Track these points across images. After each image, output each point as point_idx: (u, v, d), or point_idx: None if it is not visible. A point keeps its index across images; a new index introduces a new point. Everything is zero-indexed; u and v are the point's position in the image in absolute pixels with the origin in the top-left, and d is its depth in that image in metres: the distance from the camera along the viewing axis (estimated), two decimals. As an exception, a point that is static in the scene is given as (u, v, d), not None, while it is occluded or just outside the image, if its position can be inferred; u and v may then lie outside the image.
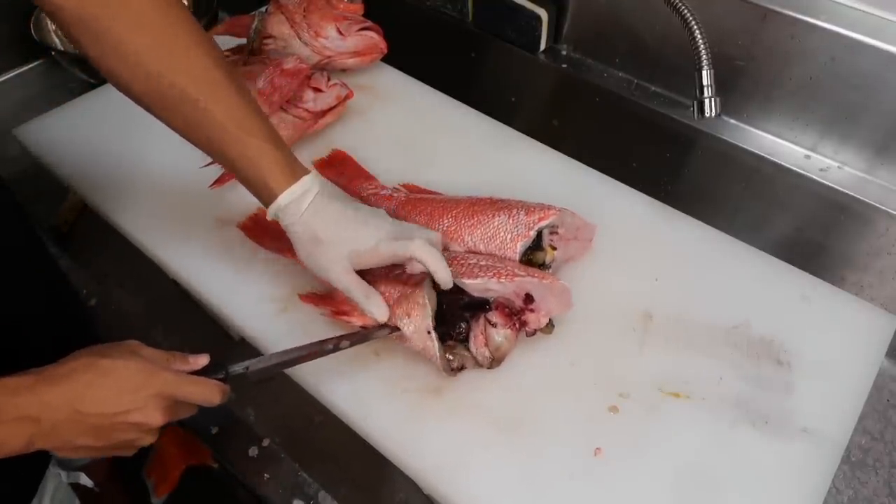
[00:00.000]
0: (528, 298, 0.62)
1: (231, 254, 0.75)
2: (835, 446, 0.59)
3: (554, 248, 0.68)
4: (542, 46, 1.02)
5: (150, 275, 0.82)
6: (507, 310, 0.63)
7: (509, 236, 0.66)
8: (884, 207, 0.81)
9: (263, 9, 0.97)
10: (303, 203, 0.59)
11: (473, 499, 0.57)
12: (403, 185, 0.79)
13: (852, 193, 0.83)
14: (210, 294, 0.72)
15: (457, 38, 1.12)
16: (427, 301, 0.61)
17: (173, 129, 0.59)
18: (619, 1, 0.93)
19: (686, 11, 0.71)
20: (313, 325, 0.67)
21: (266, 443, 0.75)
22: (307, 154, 0.84)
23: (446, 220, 0.70)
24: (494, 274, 0.61)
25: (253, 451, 0.75)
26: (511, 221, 0.67)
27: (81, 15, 0.53)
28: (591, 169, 0.83)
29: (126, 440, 0.54)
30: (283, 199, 0.59)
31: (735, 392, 0.62)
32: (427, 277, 0.62)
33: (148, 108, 0.58)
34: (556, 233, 0.68)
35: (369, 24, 0.94)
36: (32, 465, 0.60)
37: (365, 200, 0.78)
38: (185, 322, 0.87)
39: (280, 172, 0.59)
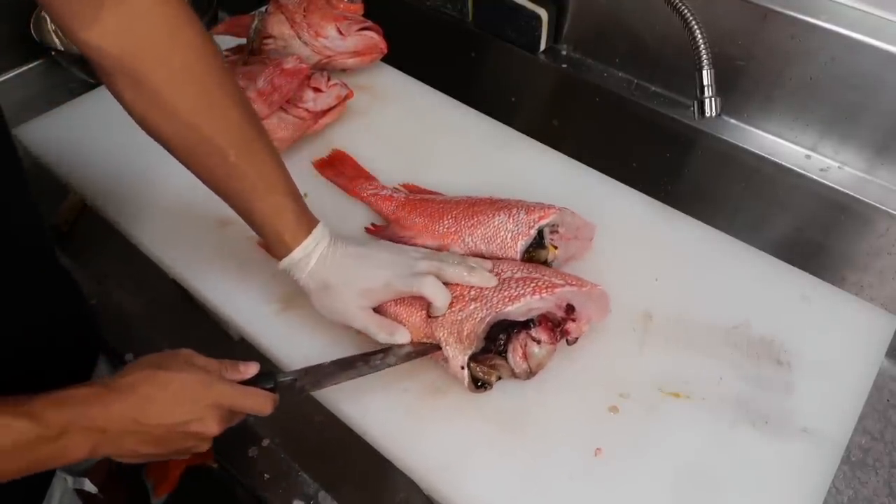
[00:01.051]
0: (569, 308, 0.62)
1: (232, 254, 0.74)
2: (835, 446, 0.59)
3: (555, 247, 0.68)
4: (542, 46, 1.02)
5: (151, 275, 0.82)
6: (549, 323, 0.62)
7: (509, 236, 0.66)
8: (884, 207, 0.81)
9: (263, 9, 0.97)
10: (313, 256, 0.62)
11: (474, 499, 0.57)
12: (403, 185, 0.79)
13: (852, 193, 0.83)
14: (210, 294, 0.72)
15: (457, 38, 1.12)
16: (472, 342, 0.60)
17: (194, 174, 0.60)
18: (619, 1, 0.93)
19: (686, 11, 0.72)
20: (313, 326, 0.67)
21: (266, 443, 0.75)
22: (307, 154, 0.84)
23: (446, 221, 0.70)
24: (534, 289, 0.60)
25: (253, 452, 0.75)
26: (511, 221, 0.67)
27: (123, 61, 0.54)
28: (591, 169, 0.83)
29: (184, 447, 0.56)
30: (297, 254, 0.61)
31: (735, 392, 0.62)
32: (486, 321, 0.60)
33: (174, 153, 0.59)
34: (557, 232, 0.68)
35: (369, 24, 0.94)
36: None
37: (365, 200, 0.78)
38: (185, 322, 0.87)
39: (297, 227, 0.61)
